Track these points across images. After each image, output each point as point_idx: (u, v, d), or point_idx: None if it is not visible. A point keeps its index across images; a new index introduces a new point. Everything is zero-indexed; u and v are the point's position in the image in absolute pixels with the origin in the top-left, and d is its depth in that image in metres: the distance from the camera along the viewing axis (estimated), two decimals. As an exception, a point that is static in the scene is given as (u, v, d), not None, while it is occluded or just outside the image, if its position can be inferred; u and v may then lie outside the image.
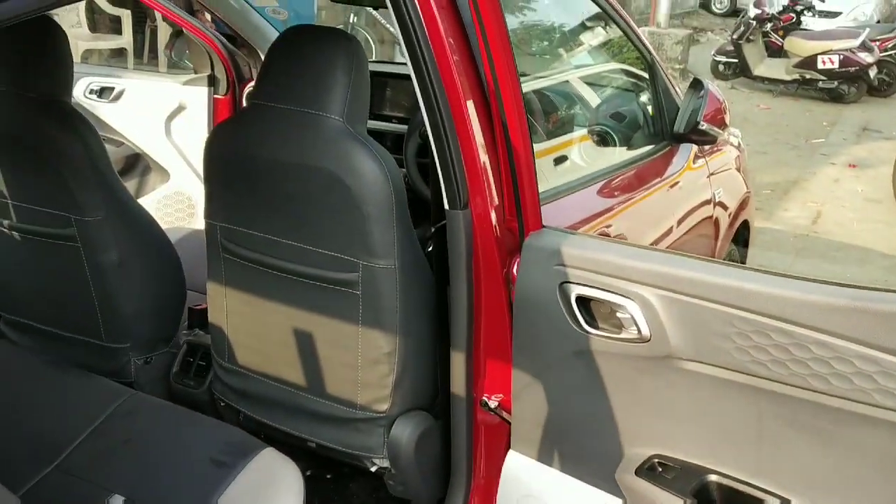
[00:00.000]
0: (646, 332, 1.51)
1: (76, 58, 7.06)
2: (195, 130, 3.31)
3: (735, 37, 9.55)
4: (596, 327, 1.59)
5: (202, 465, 1.64)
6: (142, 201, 3.48)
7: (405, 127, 2.64)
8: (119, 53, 7.71)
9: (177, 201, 3.46)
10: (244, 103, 3.14)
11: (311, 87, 1.68)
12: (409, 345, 1.78)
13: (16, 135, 1.99)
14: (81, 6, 7.28)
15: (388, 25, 9.35)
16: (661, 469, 1.58)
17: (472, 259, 1.65)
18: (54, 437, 1.74)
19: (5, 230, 2.17)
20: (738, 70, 9.60)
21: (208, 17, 3.19)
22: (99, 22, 7.53)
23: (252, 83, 3.16)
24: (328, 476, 2.34)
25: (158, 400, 1.99)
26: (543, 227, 1.67)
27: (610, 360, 1.59)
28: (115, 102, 3.39)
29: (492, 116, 1.61)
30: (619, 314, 1.54)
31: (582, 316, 1.59)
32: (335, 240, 1.72)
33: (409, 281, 1.74)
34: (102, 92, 3.39)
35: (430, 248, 1.78)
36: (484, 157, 1.62)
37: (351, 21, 8.91)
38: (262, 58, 3.28)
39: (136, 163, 3.52)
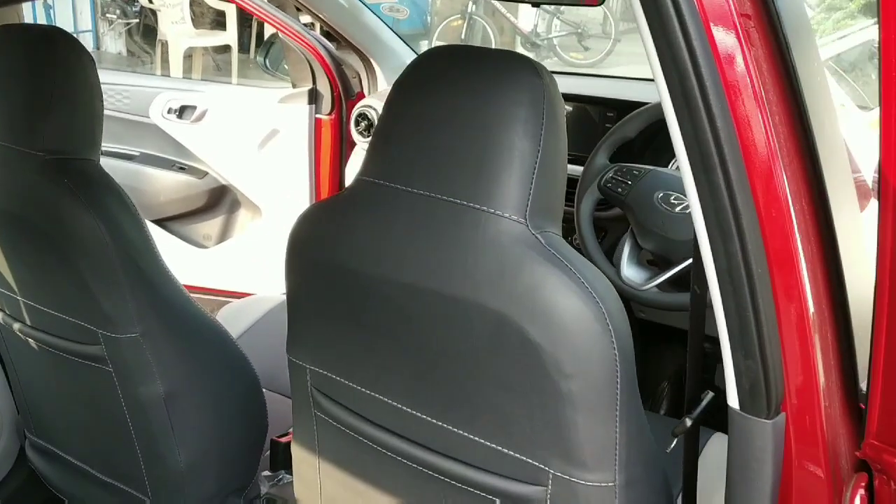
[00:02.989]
0: None
1: (178, 56, 6.61)
2: (294, 156, 2.64)
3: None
4: None
5: None
6: (229, 244, 2.87)
7: (578, 169, 1.86)
8: (224, 50, 7.23)
9: (270, 246, 2.79)
10: (353, 130, 2.41)
11: (472, 162, 0.93)
12: None
13: (15, 213, 1.33)
14: (185, 1, 6.80)
15: (507, 14, 8.54)
16: None
17: (776, 498, 0.85)
18: None
19: (19, 335, 1.53)
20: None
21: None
22: (201, 17, 7.06)
23: (363, 100, 2.44)
24: None
25: None
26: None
27: None
28: (199, 123, 2.75)
29: (830, 230, 0.81)
30: None
31: None
32: (509, 429, 0.97)
33: (637, 504, 0.97)
34: (183, 111, 2.75)
35: (669, 449, 1.00)
36: (818, 324, 0.82)
37: (470, 10, 8.14)
38: (377, 68, 2.60)
39: (223, 197, 2.88)
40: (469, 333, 0.94)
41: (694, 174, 0.78)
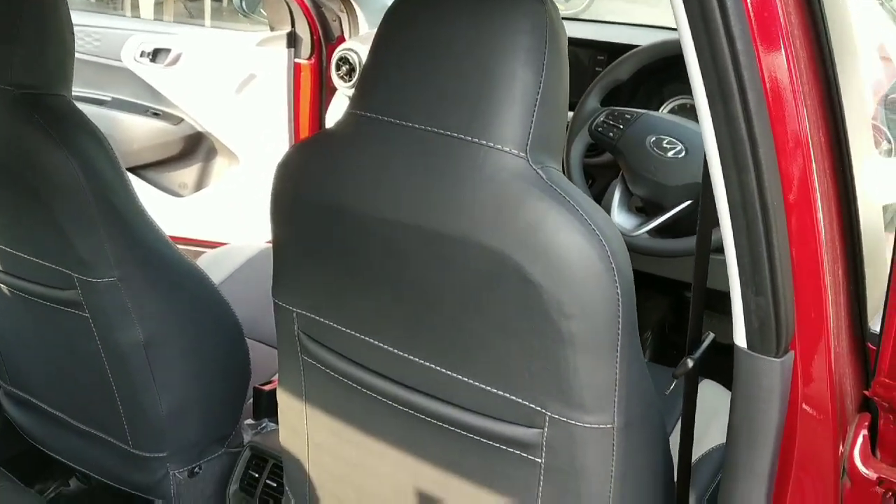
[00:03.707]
0: None
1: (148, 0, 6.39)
2: (272, 102, 2.57)
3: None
4: None
5: None
6: (206, 192, 2.80)
7: (568, 113, 1.80)
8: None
9: (247, 194, 2.73)
10: (333, 74, 2.34)
11: (470, 94, 0.88)
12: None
13: (-17, 150, 1.27)
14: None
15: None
16: None
17: (780, 439, 0.84)
18: None
19: (-11, 279, 1.47)
20: None
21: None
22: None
23: (344, 44, 2.36)
24: None
25: None
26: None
27: None
28: (173, 67, 2.65)
29: (848, 181, 0.78)
30: None
31: None
32: (506, 372, 0.94)
33: (635, 448, 0.95)
34: (157, 55, 2.66)
35: (669, 390, 0.97)
36: (830, 262, 0.79)
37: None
38: (358, 10, 2.52)
39: (199, 144, 2.80)
40: (466, 273, 0.91)
41: (710, 102, 0.74)
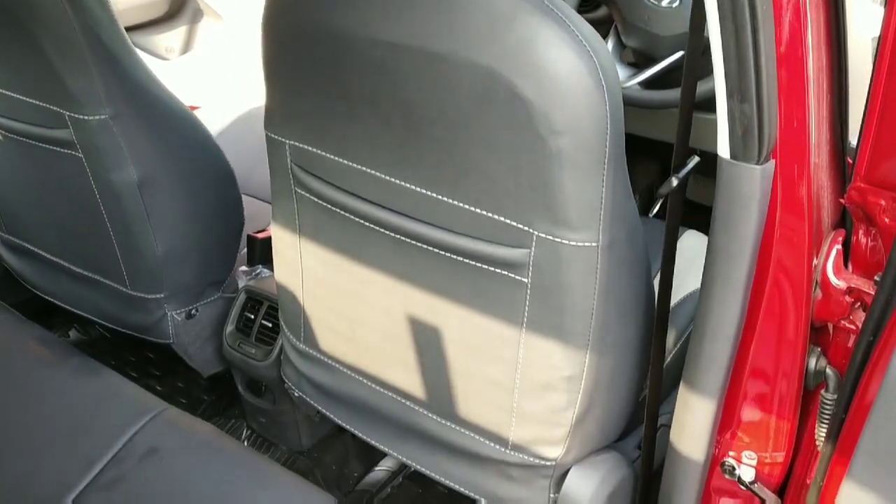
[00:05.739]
0: None
1: None
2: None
3: None
4: None
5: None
6: (192, 55, 2.76)
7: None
8: None
9: (235, 55, 2.69)
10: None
11: None
12: (605, 366, 1.06)
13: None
14: None
15: None
16: None
17: (758, 248, 0.87)
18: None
19: (-21, 122, 1.47)
20: None
21: None
22: None
23: None
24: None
25: (202, 426, 1.28)
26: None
27: None
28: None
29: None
30: None
31: None
32: (495, 192, 0.97)
33: (617, 268, 0.99)
34: None
35: (653, 212, 1.00)
36: (815, 72, 0.80)
37: None
38: None
39: (184, 5, 2.73)
40: (457, 92, 0.92)
41: None
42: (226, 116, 2.12)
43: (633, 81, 1.62)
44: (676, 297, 1.43)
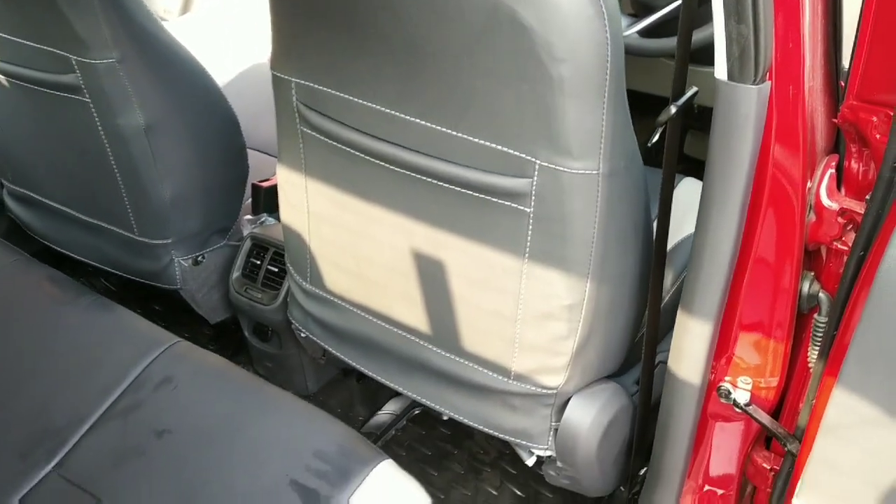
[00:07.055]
0: None
1: None
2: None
3: None
4: None
5: (280, 488, 1.02)
6: (191, 17, 2.76)
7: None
8: None
9: (234, 16, 2.69)
10: None
11: None
12: (605, 296, 1.09)
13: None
14: None
15: None
16: None
17: (753, 170, 0.90)
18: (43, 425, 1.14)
19: (-14, 70, 1.49)
20: None
21: None
22: None
23: None
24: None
25: (213, 358, 1.31)
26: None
27: None
28: None
29: None
30: None
31: None
32: (496, 122, 0.99)
33: (618, 196, 1.02)
34: None
35: (652, 141, 1.03)
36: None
37: None
38: None
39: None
40: (460, 24, 0.94)
41: None
42: (227, 74, 2.14)
43: (632, 30, 1.64)
44: (673, 240, 1.46)
